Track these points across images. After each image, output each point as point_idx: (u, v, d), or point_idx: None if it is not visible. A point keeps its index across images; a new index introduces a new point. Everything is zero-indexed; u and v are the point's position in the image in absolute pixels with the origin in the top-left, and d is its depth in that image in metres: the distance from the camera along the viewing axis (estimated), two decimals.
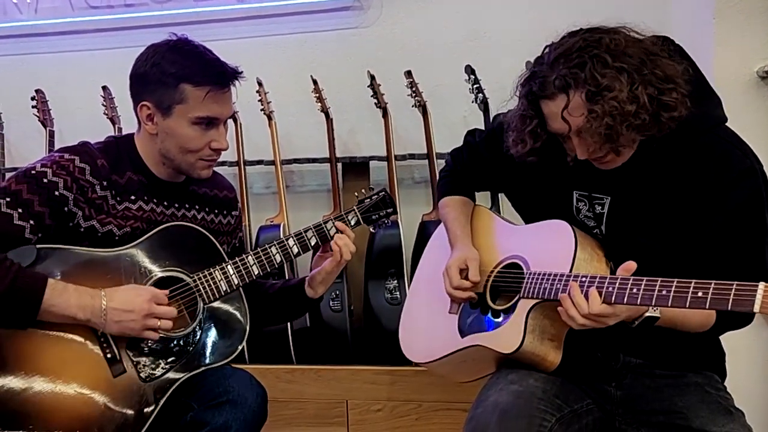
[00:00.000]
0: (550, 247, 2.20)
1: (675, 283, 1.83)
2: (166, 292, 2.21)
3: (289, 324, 3.56)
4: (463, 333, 2.34)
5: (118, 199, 2.28)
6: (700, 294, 1.78)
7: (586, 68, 1.91)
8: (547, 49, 2.04)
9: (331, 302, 3.61)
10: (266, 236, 3.72)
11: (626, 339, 2.06)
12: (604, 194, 2.17)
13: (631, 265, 1.93)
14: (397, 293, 3.57)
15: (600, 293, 1.94)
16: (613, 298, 1.93)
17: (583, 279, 2.01)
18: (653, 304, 1.86)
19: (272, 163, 3.93)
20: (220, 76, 2.25)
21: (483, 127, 3.32)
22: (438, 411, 3.33)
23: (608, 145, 1.95)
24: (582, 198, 2.21)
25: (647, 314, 1.94)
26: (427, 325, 2.50)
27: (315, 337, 3.63)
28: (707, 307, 1.77)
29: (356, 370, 3.43)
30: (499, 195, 3.34)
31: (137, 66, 2.30)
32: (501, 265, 2.34)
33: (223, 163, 3.93)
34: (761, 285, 1.70)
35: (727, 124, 2.11)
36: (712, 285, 1.77)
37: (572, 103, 1.93)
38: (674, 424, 2.11)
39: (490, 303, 2.31)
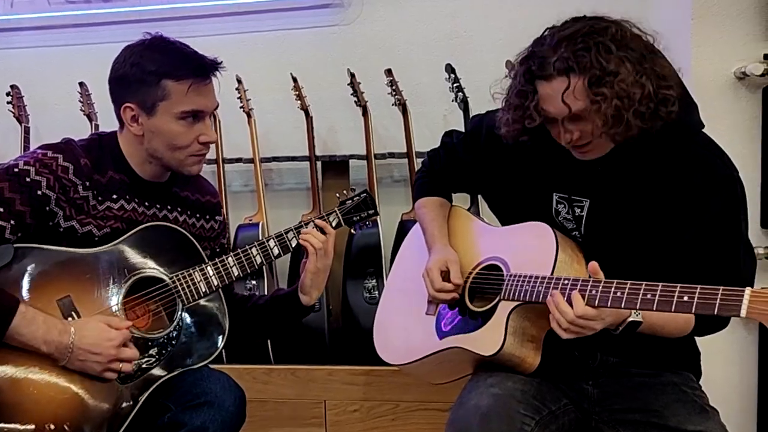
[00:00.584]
0: (530, 249, 2.20)
1: (660, 287, 1.85)
2: (129, 323, 2.20)
3: None
4: (440, 335, 2.35)
5: (99, 198, 2.27)
6: (685, 298, 1.80)
7: (591, 53, 1.93)
8: (547, 32, 2.04)
9: None
10: (244, 235, 3.71)
11: (603, 338, 2.07)
12: (584, 197, 2.19)
13: (595, 266, 1.95)
14: (376, 293, 3.58)
15: (583, 296, 1.96)
16: (597, 302, 1.94)
17: (566, 282, 2.02)
18: (638, 307, 1.88)
19: (251, 161, 3.92)
20: (201, 68, 2.25)
21: (463, 127, 3.38)
22: (415, 411, 3.33)
23: (613, 129, 1.96)
24: (561, 200, 2.23)
25: (630, 319, 1.95)
26: (403, 327, 2.51)
27: (293, 337, 3.60)
28: (693, 311, 1.79)
29: (332, 370, 3.42)
30: (479, 196, 3.29)
31: (115, 68, 2.29)
32: (480, 267, 2.35)
33: None
34: (747, 290, 1.73)
35: (705, 123, 2.14)
36: (698, 289, 1.79)
37: (574, 87, 1.95)
38: (650, 423, 2.14)
39: (468, 304, 2.32)
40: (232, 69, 3.78)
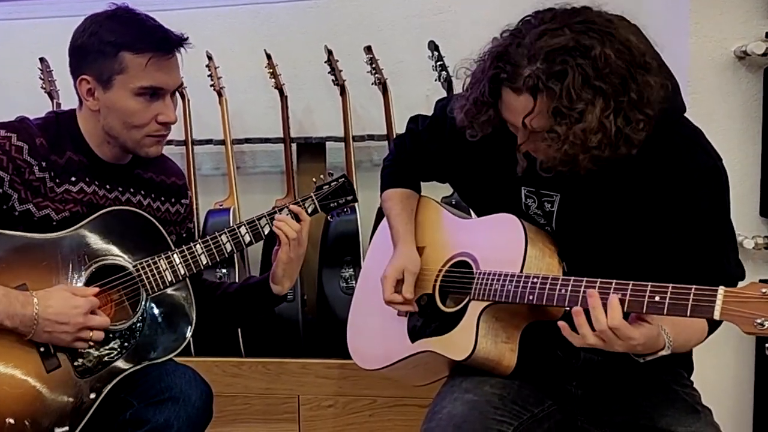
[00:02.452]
0: (499, 243, 2.19)
1: (630, 286, 1.83)
2: (96, 289, 2.19)
3: None
4: (413, 337, 2.34)
5: (57, 181, 2.24)
6: (657, 298, 1.78)
7: (565, 81, 1.82)
8: (532, 20, 1.93)
9: None
10: (215, 221, 3.71)
11: None
12: (554, 191, 2.15)
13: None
14: (353, 282, 3.56)
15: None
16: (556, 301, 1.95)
17: (535, 280, 2.01)
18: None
19: (222, 142, 3.90)
20: (163, 41, 2.22)
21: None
22: (393, 407, 3.34)
23: (561, 166, 1.92)
24: (530, 195, 2.19)
25: (662, 352, 1.91)
26: (375, 329, 2.50)
27: (265, 328, 3.60)
28: (665, 312, 1.77)
29: (306, 363, 3.43)
30: None
31: (75, 38, 2.26)
32: (450, 263, 2.34)
33: (169, 143, 3.78)
34: (720, 290, 1.70)
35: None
36: (669, 289, 1.77)
37: (537, 109, 1.87)
38: (638, 425, 2.11)
39: (439, 305, 2.31)
40: (202, 45, 3.85)
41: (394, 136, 3.70)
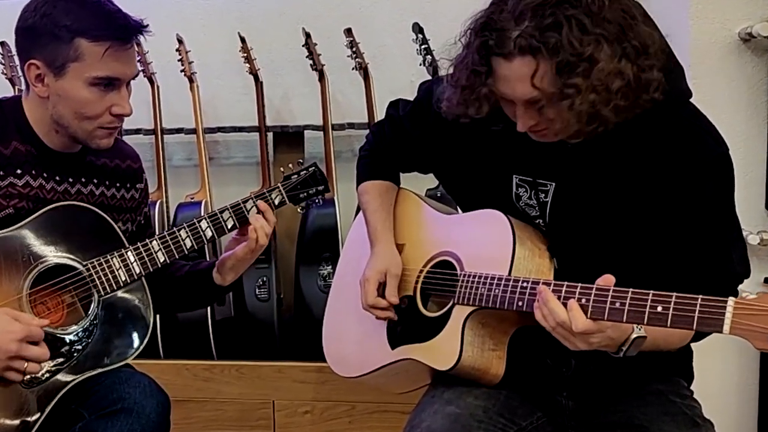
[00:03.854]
0: (485, 242, 2.14)
1: (630, 295, 1.76)
2: (46, 321, 2.12)
3: (209, 314, 3.53)
4: (393, 344, 2.30)
5: (1, 174, 2.19)
6: (659, 309, 1.71)
7: (562, 31, 1.76)
8: None
9: (257, 290, 3.59)
10: (184, 215, 3.67)
11: None
12: (549, 180, 2.08)
13: (610, 280, 1.83)
14: (332, 280, 3.37)
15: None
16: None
17: (525, 284, 1.97)
18: (605, 317, 1.79)
19: (194, 131, 3.87)
20: (122, 29, 2.16)
21: None
22: (373, 414, 3.32)
23: (586, 126, 1.84)
24: (523, 183, 2.13)
25: (634, 335, 1.84)
26: (353, 334, 2.46)
27: (238, 329, 3.58)
28: (668, 324, 1.70)
29: (282, 367, 3.41)
30: None
31: (24, 17, 2.19)
32: (431, 263, 2.29)
33: (137, 131, 3.92)
34: (730, 302, 1.63)
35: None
36: (674, 298, 1.70)
37: (540, 73, 1.80)
38: None
39: (421, 309, 2.27)
40: (172, 28, 3.88)
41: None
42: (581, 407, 2.17)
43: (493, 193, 2.16)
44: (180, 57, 3.81)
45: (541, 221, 2.12)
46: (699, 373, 2.25)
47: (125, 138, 3.77)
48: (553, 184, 2.07)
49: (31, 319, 2.10)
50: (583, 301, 1.81)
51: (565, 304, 1.82)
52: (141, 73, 3.74)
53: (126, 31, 2.16)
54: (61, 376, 2.15)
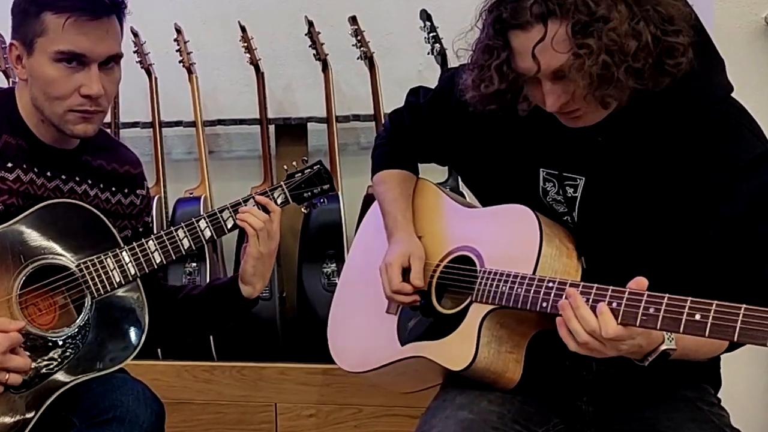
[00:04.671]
0: (508, 239, 2.10)
1: (666, 300, 1.70)
2: (21, 324, 2.07)
3: None
4: (402, 340, 2.27)
5: None
6: (697, 317, 1.64)
7: None
8: None
9: None
10: (183, 211, 3.68)
11: None
12: (578, 174, 2.05)
13: (643, 283, 1.79)
14: (336, 279, 3.53)
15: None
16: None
17: (550, 284, 1.91)
18: (637, 323, 1.73)
19: (193, 124, 3.87)
20: (89, 1, 2.11)
21: None
22: (380, 417, 3.30)
23: (599, 90, 1.80)
24: (550, 177, 2.09)
25: (663, 347, 1.80)
26: (360, 327, 2.43)
27: (239, 329, 3.47)
28: (706, 334, 1.64)
29: (286, 369, 3.39)
30: None
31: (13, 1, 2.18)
32: (449, 258, 2.25)
33: (135, 125, 3.93)
34: None
35: (733, 90, 2.00)
36: (714, 307, 1.63)
37: (553, 37, 1.78)
38: None
39: (435, 305, 2.23)
40: (170, 17, 3.82)
41: (386, 114, 3.57)
42: (601, 413, 2.13)
43: (519, 187, 2.12)
44: (178, 47, 3.81)
45: (568, 218, 2.08)
46: (726, 379, 2.21)
47: (122, 131, 3.80)
48: (583, 178, 2.04)
49: (8, 323, 2.05)
50: (614, 304, 1.76)
51: (593, 308, 1.78)
52: (138, 64, 3.78)
53: (91, 3, 2.10)
54: (51, 382, 2.11)
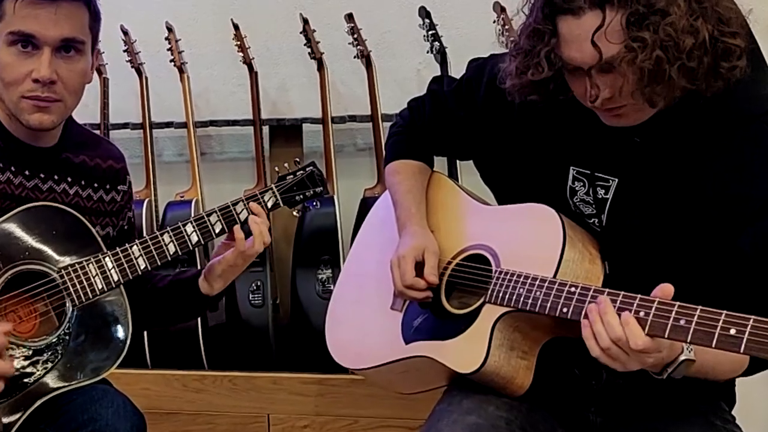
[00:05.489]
0: (529, 239, 2.08)
1: (698, 313, 1.67)
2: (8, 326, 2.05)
3: (200, 320, 3.53)
4: (407, 338, 2.24)
5: None
6: (732, 331, 1.61)
7: None
8: None
9: (251, 295, 3.58)
10: (174, 215, 3.67)
11: None
12: (611, 175, 2.02)
13: (668, 290, 1.77)
14: (331, 285, 3.49)
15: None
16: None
17: (572, 290, 1.89)
18: (665, 335, 1.70)
19: (184, 125, 3.87)
20: None
21: None
22: (376, 429, 3.29)
23: (649, 87, 1.78)
24: (581, 176, 2.07)
25: (682, 356, 1.77)
26: (362, 323, 2.41)
27: (231, 337, 3.58)
28: (741, 350, 1.60)
29: (279, 378, 3.38)
30: (459, 163, 3.29)
31: None
32: (462, 255, 2.23)
33: (125, 126, 3.93)
34: None
35: None
36: (751, 322, 1.60)
37: (608, 25, 1.76)
38: None
39: (445, 304, 2.20)
40: (161, 15, 3.76)
41: (384, 114, 3.68)
42: (609, 424, 2.12)
43: (545, 185, 2.11)
44: (169, 46, 3.80)
45: (596, 221, 2.06)
46: (741, 398, 2.18)
47: (112, 132, 3.78)
48: (616, 180, 2.02)
49: None
50: (642, 314, 1.73)
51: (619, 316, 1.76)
52: (128, 64, 3.77)
53: None
54: (31, 392, 2.07)
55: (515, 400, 2.06)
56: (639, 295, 1.75)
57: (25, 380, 2.07)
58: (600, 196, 2.04)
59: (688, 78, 1.76)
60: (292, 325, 3.59)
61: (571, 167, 2.08)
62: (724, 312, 1.63)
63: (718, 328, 1.63)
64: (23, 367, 2.07)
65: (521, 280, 1.99)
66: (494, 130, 2.20)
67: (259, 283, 3.54)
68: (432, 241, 2.25)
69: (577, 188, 2.08)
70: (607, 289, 1.82)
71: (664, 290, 1.73)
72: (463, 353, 2.06)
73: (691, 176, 1.93)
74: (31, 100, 2.09)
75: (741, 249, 1.90)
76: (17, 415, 2.05)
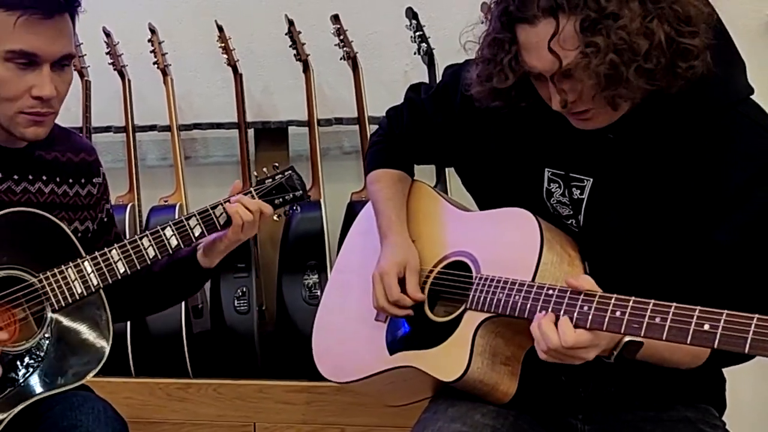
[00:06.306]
0: (507, 243, 2.09)
1: (673, 309, 1.68)
2: None
3: (184, 327, 3.52)
4: (392, 349, 2.25)
5: None
6: (706, 327, 1.63)
7: None
8: None
9: (236, 301, 3.57)
10: (158, 219, 3.61)
11: (597, 360, 1.91)
12: (586, 175, 2.03)
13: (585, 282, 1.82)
14: (318, 291, 3.51)
15: (571, 318, 1.81)
16: (589, 323, 1.79)
17: (550, 293, 1.89)
18: (642, 334, 1.71)
19: (168, 129, 3.84)
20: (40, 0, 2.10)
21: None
22: None
23: (608, 91, 1.80)
24: (556, 178, 2.08)
25: (627, 338, 1.79)
26: (347, 336, 2.41)
27: (216, 344, 3.57)
28: (715, 345, 1.62)
29: (265, 386, 3.37)
30: (447, 170, 3.32)
31: None
32: (443, 263, 2.24)
33: (108, 129, 3.91)
34: None
35: (753, 93, 1.99)
36: (724, 316, 1.62)
37: (561, 32, 1.78)
38: None
39: (428, 312, 2.21)
40: (144, 16, 3.74)
41: (371, 117, 3.68)
42: None
43: (521, 188, 2.12)
44: (153, 48, 3.78)
45: (573, 221, 2.07)
46: (731, 403, 2.19)
47: (94, 136, 3.77)
48: (591, 179, 2.03)
49: None
50: (618, 314, 1.75)
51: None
52: (111, 66, 3.75)
53: (45, 1, 2.08)
54: (11, 399, 2.07)
55: (501, 408, 2.06)
56: (614, 295, 1.77)
57: (6, 386, 2.06)
58: (576, 197, 2.05)
59: (646, 79, 1.78)
60: (278, 331, 3.58)
61: (546, 169, 2.09)
62: (698, 308, 1.65)
63: (693, 324, 1.65)
64: (3, 373, 2.06)
65: (500, 285, 2.00)
66: (471, 135, 2.21)
67: (244, 289, 3.54)
68: (413, 253, 2.27)
69: (553, 190, 2.09)
70: (585, 290, 1.83)
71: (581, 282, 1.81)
72: (445, 361, 2.07)
73: (667, 170, 1.94)
74: (29, 115, 2.11)
75: (718, 242, 1.90)
76: None
